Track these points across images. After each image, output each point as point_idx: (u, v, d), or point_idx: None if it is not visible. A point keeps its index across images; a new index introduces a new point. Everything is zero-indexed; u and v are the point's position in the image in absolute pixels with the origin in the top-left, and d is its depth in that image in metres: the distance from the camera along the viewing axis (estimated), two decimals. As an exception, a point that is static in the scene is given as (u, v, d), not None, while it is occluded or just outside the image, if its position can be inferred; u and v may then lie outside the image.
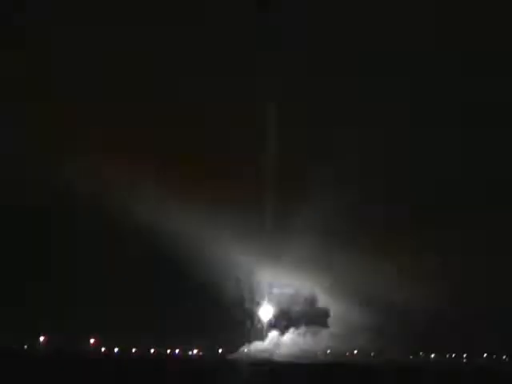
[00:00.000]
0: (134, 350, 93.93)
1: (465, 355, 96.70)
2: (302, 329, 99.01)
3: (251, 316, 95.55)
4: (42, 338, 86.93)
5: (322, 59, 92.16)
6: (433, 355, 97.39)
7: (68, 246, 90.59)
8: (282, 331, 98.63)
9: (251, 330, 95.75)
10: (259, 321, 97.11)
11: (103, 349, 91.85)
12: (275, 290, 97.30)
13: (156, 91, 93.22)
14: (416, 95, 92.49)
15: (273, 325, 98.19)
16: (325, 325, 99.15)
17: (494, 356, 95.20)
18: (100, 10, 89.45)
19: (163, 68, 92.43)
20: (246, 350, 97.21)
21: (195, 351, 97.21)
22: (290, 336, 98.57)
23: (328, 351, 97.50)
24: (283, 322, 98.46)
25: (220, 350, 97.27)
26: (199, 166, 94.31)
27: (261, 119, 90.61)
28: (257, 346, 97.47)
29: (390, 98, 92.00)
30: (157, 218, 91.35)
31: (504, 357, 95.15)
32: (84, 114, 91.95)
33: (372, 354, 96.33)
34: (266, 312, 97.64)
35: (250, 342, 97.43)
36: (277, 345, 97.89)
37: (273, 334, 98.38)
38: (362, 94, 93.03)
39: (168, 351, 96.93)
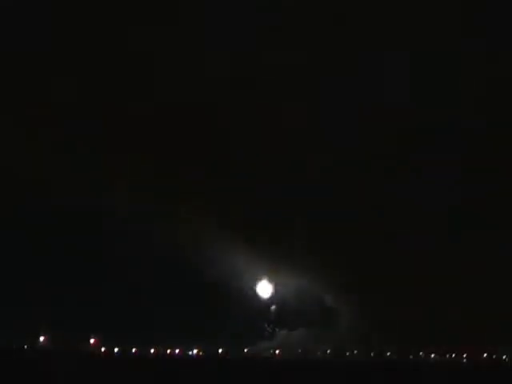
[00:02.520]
0: (133, 350, 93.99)
1: (465, 355, 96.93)
2: (308, 328, 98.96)
3: (256, 314, 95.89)
4: (42, 338, 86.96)
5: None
6: (433, 355, 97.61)
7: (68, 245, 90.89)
8: (290, 329, 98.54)
9: (255, 328, 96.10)
10: (264, 319, 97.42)
11: (103, 349, 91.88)
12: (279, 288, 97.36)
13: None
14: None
15: (279, 323, 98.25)
16: (331, 325, 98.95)
17: (494, 356, 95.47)
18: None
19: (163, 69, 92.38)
20: (247, 350, 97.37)
21: (195, 351, 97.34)
22: (295, 335, 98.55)
23: (328, 351, 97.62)
24: (290, 320, 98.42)
25: (220, 350, 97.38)
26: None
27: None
28: (261, 346, 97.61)
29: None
30: (157, 218, 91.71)
31: (504, 357, 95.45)
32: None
33: (372, 354, 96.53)
34: (272, 310, 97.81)
35: (254, 341, 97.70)
36: (283, 344, 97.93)
37: (279, 333, 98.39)
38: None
39: (168, 351, 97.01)
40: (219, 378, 58.78)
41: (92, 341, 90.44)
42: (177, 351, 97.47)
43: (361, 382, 62.18)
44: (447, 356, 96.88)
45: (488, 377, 70.12)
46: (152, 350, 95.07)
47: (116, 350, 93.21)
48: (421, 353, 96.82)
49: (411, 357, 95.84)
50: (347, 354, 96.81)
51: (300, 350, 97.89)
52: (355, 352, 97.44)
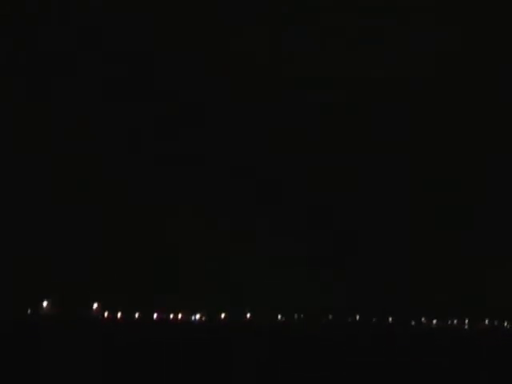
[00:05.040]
0: (137, 315, 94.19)
1: (466, 321, 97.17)
2: None
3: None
4: (45, 304, 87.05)
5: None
6: (435, 321, 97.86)
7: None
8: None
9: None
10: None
11: (106, 314, 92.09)
12: None
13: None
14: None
15: None
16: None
17: (496, 322, 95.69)
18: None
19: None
20: (249, 316, 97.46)
21: (197, 316, 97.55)
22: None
23: (330, 316, 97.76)
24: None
25: (223, 316, 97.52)
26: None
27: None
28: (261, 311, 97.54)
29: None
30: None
31: (505, 323, 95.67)
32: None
33: (374, 320, 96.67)
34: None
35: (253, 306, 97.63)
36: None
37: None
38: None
39: (171, 316, 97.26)
40: (221, 343, 58.82)
41: (95, 306, 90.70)
42: (179, 316, 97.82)
43: (362, 349, 62.18)
44: (449, 322, 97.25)
45: (490, 343, 70.22)
46: (155, 315, 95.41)
47: (119, 315, 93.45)
48: (423, 319, 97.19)
49: (413, 323, 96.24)
50: (349, 320, 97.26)
51: (302, 316, 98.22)
52: (357, 317, 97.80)
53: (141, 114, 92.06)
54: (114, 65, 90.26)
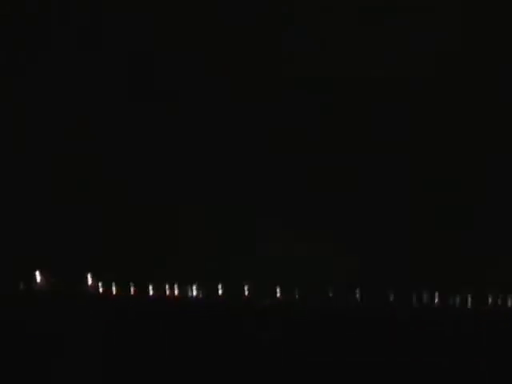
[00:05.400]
0: (132, 290, 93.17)
1: (469, 299, 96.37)
2: None
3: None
4: (38, 277, 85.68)
5: None
6: (436, 300, 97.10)
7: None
8: None
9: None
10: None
11: (101, 289, 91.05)
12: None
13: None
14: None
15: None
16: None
17: (499, 301, 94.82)
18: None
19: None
20: (248, 290, 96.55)
21: (195, 292, 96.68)
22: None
23: (330, 294, 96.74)
24: None
25: (221, 291, 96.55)
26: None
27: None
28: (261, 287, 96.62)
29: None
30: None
31: (510, 303, 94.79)
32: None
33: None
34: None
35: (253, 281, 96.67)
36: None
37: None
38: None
39: (167, 291, 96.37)
40: (219, 320, 57.29)
41: (90, 281, 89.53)
42: (176, 292, 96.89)
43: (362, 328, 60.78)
44: (450, 300, 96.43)
45: (494, 322, 68.96)
46: (151, 292, 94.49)
47: (114, 289, 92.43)
48: (424, 295, 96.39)
49: (414, 299, 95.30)
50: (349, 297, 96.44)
51: (303, 293, 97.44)
52: (357, 294, 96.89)
53: (140, 113, 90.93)
54: (114, 65, 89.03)
